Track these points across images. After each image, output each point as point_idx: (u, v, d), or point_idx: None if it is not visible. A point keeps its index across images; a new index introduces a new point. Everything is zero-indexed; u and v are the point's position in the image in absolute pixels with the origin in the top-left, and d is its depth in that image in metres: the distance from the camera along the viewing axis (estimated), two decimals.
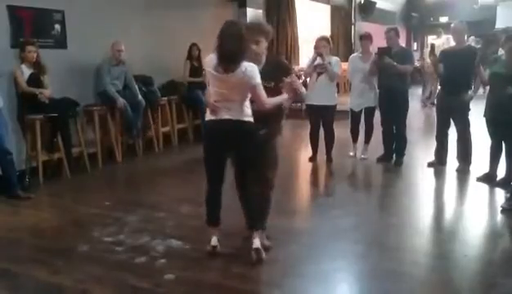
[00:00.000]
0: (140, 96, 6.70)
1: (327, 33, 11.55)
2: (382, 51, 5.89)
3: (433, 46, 11.45)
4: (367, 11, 14.99)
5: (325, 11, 13.22)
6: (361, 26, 14.47)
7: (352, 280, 3.39)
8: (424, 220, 4.48)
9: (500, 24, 17.14)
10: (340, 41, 13.65)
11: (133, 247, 3.74)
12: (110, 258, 3.59)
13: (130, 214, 4.47)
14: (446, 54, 5.81)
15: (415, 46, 19.92)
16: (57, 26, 6.12)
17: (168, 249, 3.70)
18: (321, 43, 6.08)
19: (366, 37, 6.30)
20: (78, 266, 3.47)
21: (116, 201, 4.91)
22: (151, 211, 4.56)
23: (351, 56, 6.68)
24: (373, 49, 6.27)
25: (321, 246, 3.79)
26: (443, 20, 19.21)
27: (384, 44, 6.09)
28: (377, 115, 6.38)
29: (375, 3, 15.30)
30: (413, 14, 18.95)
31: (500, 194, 4.92)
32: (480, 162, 5.54)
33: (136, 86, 6.75)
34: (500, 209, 4.51)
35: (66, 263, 3.52)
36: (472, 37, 9.95)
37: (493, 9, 18.00)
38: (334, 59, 6.16)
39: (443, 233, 4.18)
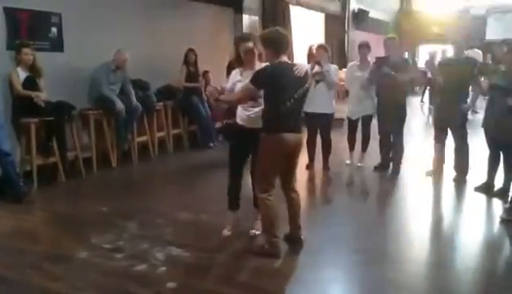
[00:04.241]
0: (136, 101, 6.64)
1: (321, 40, 11.59)
2: (380, 61, 5.91)
3: None
4: (360, 20, 15.11)
5: (320, 19, 13.27)
6: (354, 35, 14.57)
7: (352, 289, 3.38)
8: (423, 229, 4.47)
9: (490, 36, 17.38)
10: (334, 49, 13.69)
11: (133, 255, 3.68)
12: (109, 265, 3.53)
13: (128, 220, 4.41)
14: (445, 64, 5.84)
15: (406, 55, 20.07)
16: (54, 29, 6.06)
17: (169, 257, 3.65)
18: (319, 51, 6.09)
19: (364, 46, 6.30)
20: (78, 273, 3.41)
21: (113, 207, 4.83)
22: (149, 218, 4.50)
23: (349, 65, 6.69)
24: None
25: (320, 254, 3.78)
26: (435, 30, 19.42)
27: (376, 53, 6.12)
28: (374, 123, 6.39)
29: (367, 12, 15.42)
30: (405, 24, 19.07)
31: (498, 204, 4.94)
32: (477, 172, 5.56)
33: (133, 92, 6.69)
34: (499, 220, 4.52)
35: (65, 270, 3.46)
36: (475, 50, 10.04)
37: (483, 20, 18.25)
38: (333, 67, 6.17)
39: (443, 243, 4.17)
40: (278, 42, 3.58)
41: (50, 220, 4.61)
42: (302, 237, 3.85)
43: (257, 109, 3.76)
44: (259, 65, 3.74)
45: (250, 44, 3.79)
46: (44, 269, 3.47)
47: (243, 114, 3.86)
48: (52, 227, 4.42)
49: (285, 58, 3.59)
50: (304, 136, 6.23)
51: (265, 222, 3.71)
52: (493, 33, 17.34)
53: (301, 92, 3.55)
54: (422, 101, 14.23)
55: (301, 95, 3.56)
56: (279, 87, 3.48)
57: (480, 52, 10.73)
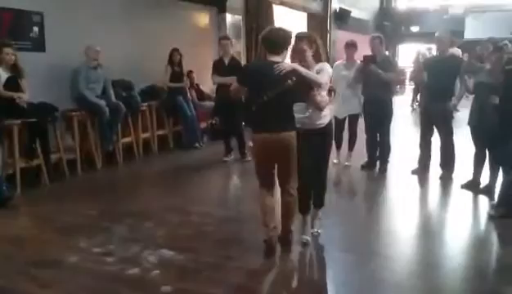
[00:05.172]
0: (114, 99, 6.50)
1: None
2: (368, 59, 5.93)
3: None
4: (342, 19, 15.19)
5: (302, 18, 13.31)
6: (336, 34, 14.65)
7: (342, 288, 3.38)
8: (411, 227, 4.49)
9: (468, 35, 17.66)
10: None
11: (124, 258, 3.61)
12: (101, 270, 3.45)
13: (117, 223, 4.33)
14: (430, 62, 5.89)
15: (386, 54, 20.30)
16: (35, 28, 5.93)
17: (161, 260, 3.59)
18: None
19: (352, 45, 6.31)
20: (68, 279, 3.33)
21: (101, 210, 4.74)
22: (139, 221, 4.42)
23: (335, 64, 6.68)
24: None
25: (311, 255, 3.78)
26: (414, 29, 19.71)
27: (358, 53, 6.15)
28: (360, 122, 6.41)
29: (349, 12, 15.51)
30: (385, 23, 19.29)
31: (485, 201, 4.99)
32: (464, 169, 5.61)
33: (112, 91, 6.56)
34: (486, 216, 4.57)
35: (54, 275, 3.37)
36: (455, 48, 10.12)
37: (462, 20, 18.56)
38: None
39: (431, 241, 4.17)
40: (269, 42, 3.56)
41: (35, 225, 4.51)
42: (291, 239, 3.81)
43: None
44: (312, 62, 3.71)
45: (303, 45, 3.68)
46: (32, 275, 3.37)
47: (297, 117, 3.70)
48: (38, 231, 4.30)
49: (277, 58, 3.53)
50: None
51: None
52: (471, 32, 17.64)
53: (278, 91, 3.43)
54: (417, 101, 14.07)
55: (279, 94, 3.40)
56: (253, 84, 3.51)
57: (460, 51, 10.87)
